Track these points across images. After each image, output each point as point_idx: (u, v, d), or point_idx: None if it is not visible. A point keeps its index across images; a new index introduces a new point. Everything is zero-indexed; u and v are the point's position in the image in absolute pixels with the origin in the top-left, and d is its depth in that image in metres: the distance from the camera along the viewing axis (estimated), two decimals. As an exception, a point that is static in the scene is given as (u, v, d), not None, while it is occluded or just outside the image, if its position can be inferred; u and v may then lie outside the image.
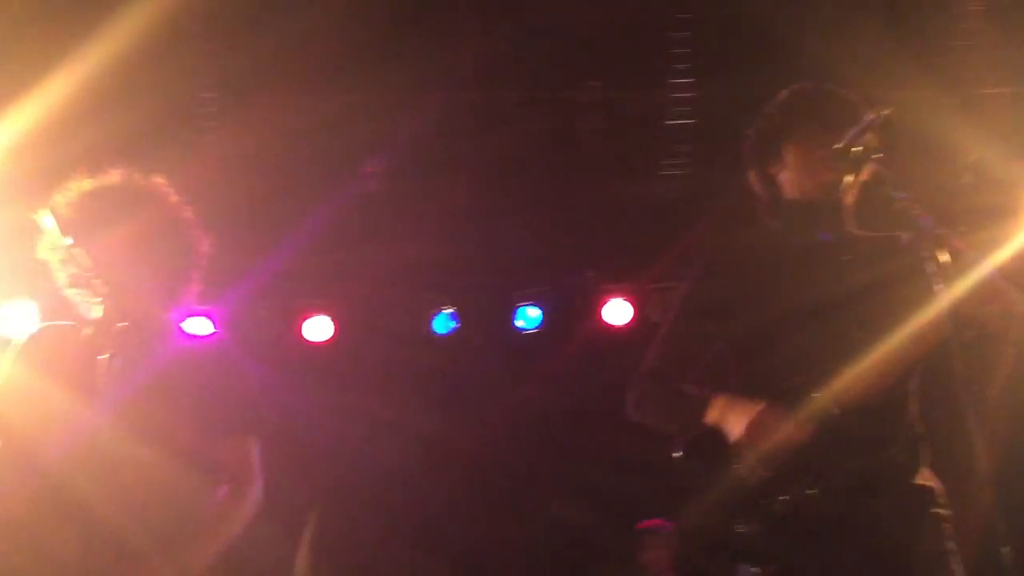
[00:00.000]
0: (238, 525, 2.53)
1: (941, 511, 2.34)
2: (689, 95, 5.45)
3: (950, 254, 1.95)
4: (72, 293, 2.56)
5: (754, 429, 2.28)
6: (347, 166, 5.67)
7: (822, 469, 2.26)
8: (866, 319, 2.33)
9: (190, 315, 5.65)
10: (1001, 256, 2.16)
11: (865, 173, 2.40)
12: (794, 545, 2.25)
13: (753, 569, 2.37)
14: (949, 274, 1.94)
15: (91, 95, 4.62)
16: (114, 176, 2.62)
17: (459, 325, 6.51)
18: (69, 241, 2.29)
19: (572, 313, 6.56)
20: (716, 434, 2.38)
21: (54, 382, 2.49)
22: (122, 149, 4.70)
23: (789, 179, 2.52)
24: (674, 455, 2.44)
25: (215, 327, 5.95)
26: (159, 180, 2.68)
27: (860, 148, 2.22)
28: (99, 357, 2.18)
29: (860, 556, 2.24)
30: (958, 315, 1.97)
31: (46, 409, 2.48)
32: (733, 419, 2.33)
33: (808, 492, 2.25)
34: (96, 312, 2.54)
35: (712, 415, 2.38)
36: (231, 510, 2.54)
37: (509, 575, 5.92)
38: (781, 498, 2.26)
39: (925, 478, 2.37)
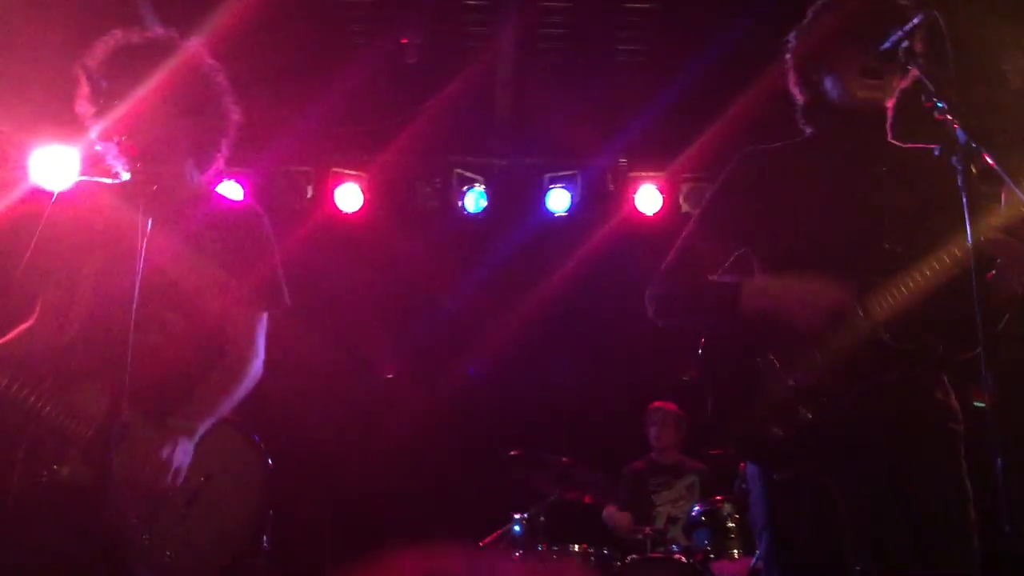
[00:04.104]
0: (239, 392, 2.60)
1: (957, 428, 2.35)
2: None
3: (980, 171, 1.92)
4: (104, 147, 2.58)
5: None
6: (384, 33, 5.58)
7: (850, 381, 2.27)
8: (898, 231, 2.31)
9: (221, 179, 5.74)
10: None
11: (907, 80, 2.37)
12: (816, 454, 2.28)
13: (775, 475, 2.38)
14: (978, 192, 1.91)
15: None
16: (151, 34, 2.60)
17: (489, 204, 6.52)
18: (101, 100, 2.30)
19: (603, 199, 6.54)
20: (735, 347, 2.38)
21: (86, 238, 2.54)
22: (155, 2, 4.68)
23: (831, 84, 2.45)
24: (683, 378, 2.46)
25: (245, 193, 6.00)
26: (196, 41, 2.67)
27: (903, 52, 2.17)
28: (132, 218, 2.21)
29: (877, 467, 2.26)
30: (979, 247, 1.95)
31: (79, 264, 2.53)
32: (792, 301, 2.30)
33: (833, 404, 2.27)
34: (127, 171, 2.58)
35: (751, 300, 2.35)
36: (235, 377, 2.60)
37: (530, 438, 6.12)
38: (810, 407, 2.28)
39: (945, 394, 2.37)
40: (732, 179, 2.57)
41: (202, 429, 2.48)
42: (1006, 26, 4.55)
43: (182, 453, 2.41)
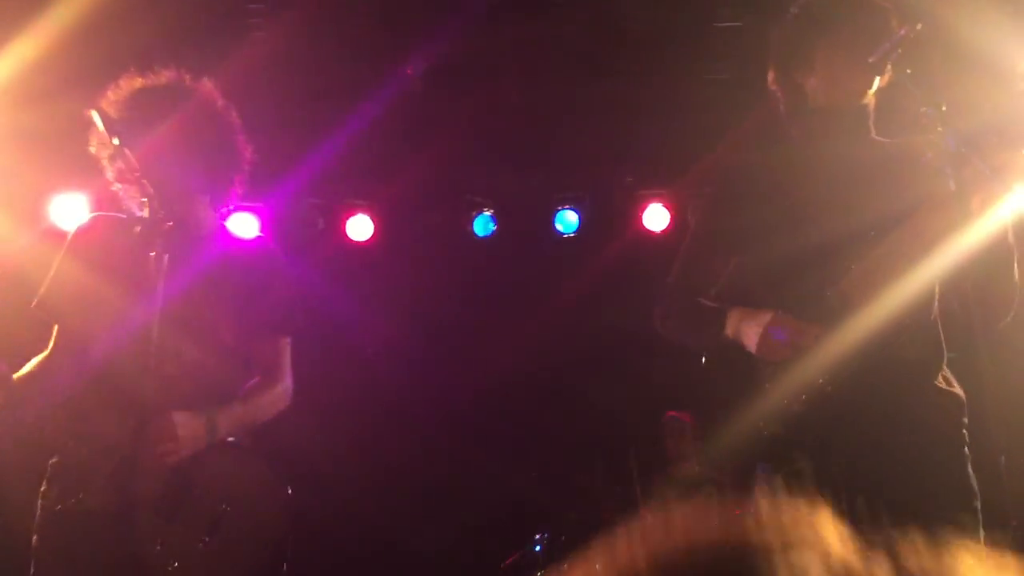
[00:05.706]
0: (264, 412, 2.66)
1: (962, 419, 2.35)
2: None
3: (971, 174, 1.96)
4: (120, 188, 2.64)
5: (764, 343, 2.31)
6: (390, 66, 5.66)
7: (837, 364, 2.26)
8: (887, 226, 2.32)
9: (236, 211, 5.82)
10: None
11: (886, 79, 2.39)
12: (813, 446, 2.28)
13: (768, 468, 2.39)
14: (967, 195, 1.95)
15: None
16: (164, 76, 2.67)
17: (498, 227, 6.57)
18: (116, 140, 2.35)
19: (610, 218, 6.58)
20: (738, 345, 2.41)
21: (104, 273, 2.60)
22: (170, 44, 4.76)
23: (815, 86, 2.46)
24: (703, 360, 2.51)
25: (260, 225, 6.09)
26: (208, 83, 2.73)
27: (891, 63, 2.21)
28: (149, 254, 2.26)
29: (878, 458, 2.26)
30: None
31: (97, 299, 2.58)
32: (745, 331, 2.35)
33: (826, 389, 2.27)
34: (143, 210, 2.64)
35: (729, 328, 2.40)
36: (259, 396, 2.67)
37: (545, 457, 6.12)
38: (800, 399, 2.28)
39: (949, 383, 2.38)
40: (720, 193, 2.63)
41: (221, 425, 2.51)
42: (1013, 26, 4.53)
43: (188, 427, 2.44)
